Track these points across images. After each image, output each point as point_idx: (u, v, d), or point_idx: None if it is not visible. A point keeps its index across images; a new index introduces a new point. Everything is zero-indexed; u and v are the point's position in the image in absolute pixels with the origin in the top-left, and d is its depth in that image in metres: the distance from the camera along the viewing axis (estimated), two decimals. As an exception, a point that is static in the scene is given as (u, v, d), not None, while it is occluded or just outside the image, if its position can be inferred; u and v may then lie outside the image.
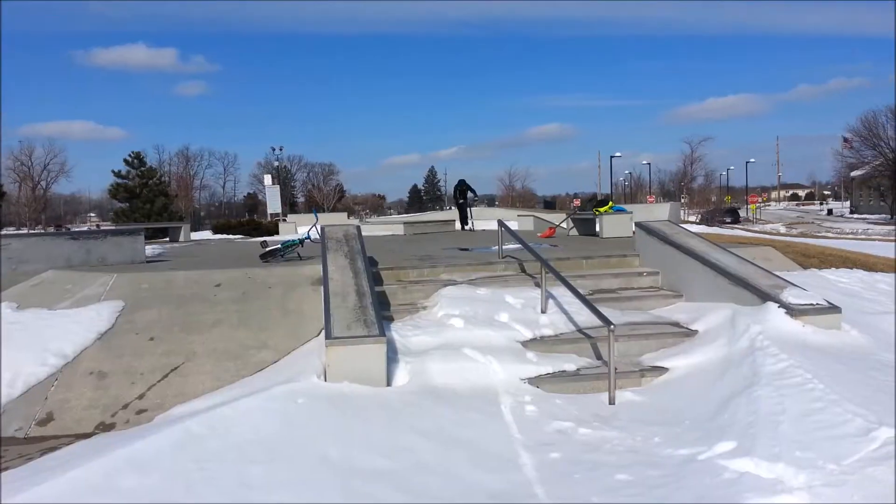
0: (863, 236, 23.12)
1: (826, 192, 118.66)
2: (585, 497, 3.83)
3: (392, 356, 5.88)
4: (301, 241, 9.99)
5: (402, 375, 5.73)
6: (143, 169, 43.13)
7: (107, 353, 6.34)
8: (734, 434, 4.21)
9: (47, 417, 5.59)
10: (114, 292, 7.56)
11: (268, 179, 41.60)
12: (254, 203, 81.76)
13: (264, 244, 10.44)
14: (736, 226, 45.39)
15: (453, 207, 20.00)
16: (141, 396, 5.81)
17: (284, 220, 27.73)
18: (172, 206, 44.67)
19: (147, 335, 6.64)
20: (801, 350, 5.40)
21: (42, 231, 40.72)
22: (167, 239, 21.67)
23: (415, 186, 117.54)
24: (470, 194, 20.96)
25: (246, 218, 42.92)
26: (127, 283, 7.82)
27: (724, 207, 69.11)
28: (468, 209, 20.87)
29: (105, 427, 5.44)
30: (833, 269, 9.48)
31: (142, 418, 5.46)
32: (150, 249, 13.23)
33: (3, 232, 33.79)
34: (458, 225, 21.19)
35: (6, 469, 4.34)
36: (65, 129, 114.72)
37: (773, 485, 3.56)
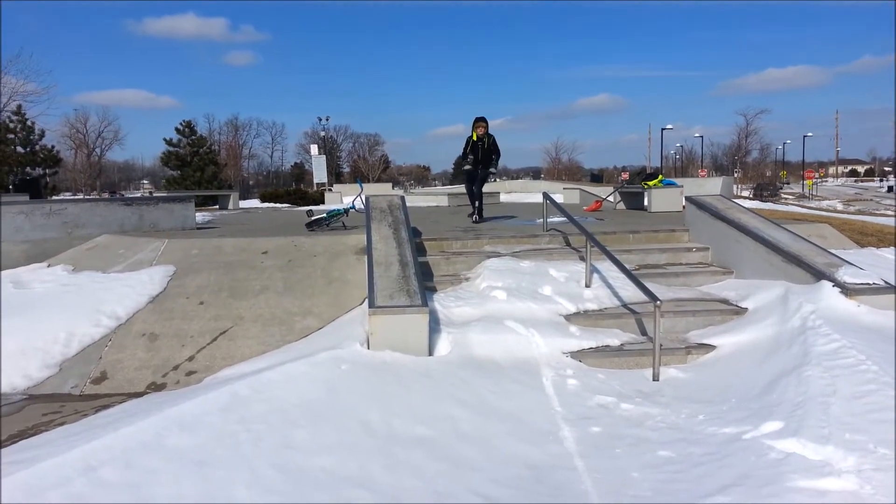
0: (925, 215, 22.17)
1: (886, 169, 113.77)
2: (625, 471, 3.81)
3: (434, 326, 5.91)
4: (346, 211, 10.07)
5: (443, 346, 5.76)
6: (193, 137, 43.87)
7: (158, 316, 6.53)
8: (781, 414, 4.11)
9: (101, 376, 5.80)
10: (165, 257, 7.77)
11: (314, 149, 41.92)
12: (300, 173, 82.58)
13: (310, 213, 10.56)
14: (779, 200, 43.90)
15: (467, 166, 10.87)
16: (190, 358, 5.98)
17: (330, 190, 27.98)
18: (222, 174, 45.42)
19: (197, 299, 6.81)
20: (854, 330, 5.22)
21: (97, 197, 41.98)
22: (216, 207, 22.12)
23: (459, 158, 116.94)
24: (491, 167, 10.90)
25: (293, 187, 43.46)
26: (178, 248, 8.01)
27: (778, 183, 66.95)
28: (482, 182, 11.32)
29: (156, 387, 5.63)
30: (892, 248, 9.12)
31: (191, 379, 5.63)
32: (200, 216, 13.53)
33: (60, 197, 34.95)
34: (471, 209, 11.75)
35: (62, 424, 4.53)
36: (118, 97, 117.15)
37: (820, 466, 3.47)
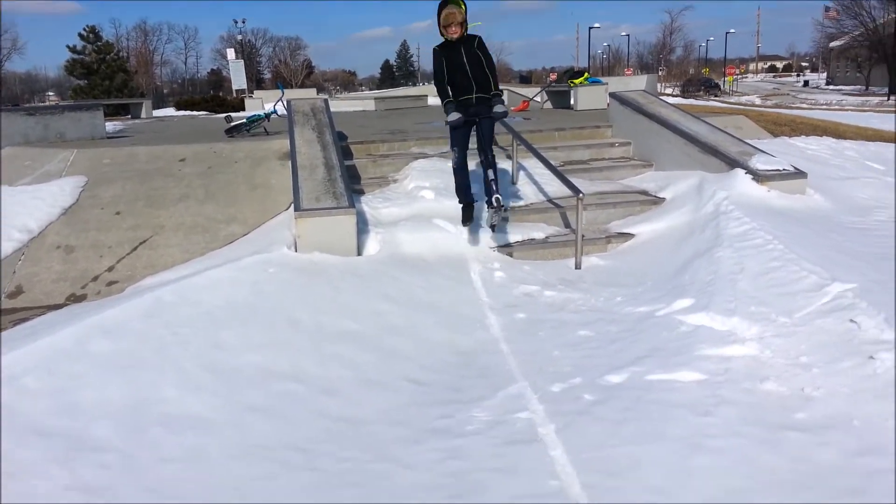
0: (836, 107, 23.09)
1: (804, 64, 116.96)
2: (548, 351, 4.00)
3: (362, 227, 5.90)
4: (267, 116, 9.71)
5: (372, 245, 5.77)
6: (99, 44, 40.91)
7: (72, 228, 6.26)
8: (693, 292, 4.35)
9: (17, 290, 5.59)
10: (75, 168, 7.38)
11: (230, 54, 39.65)
12: (218, 80, 78.60)
13: (229, 119, 10.14)
14: (712, 98, 44.90)
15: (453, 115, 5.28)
16: (110, 269, 5.80)
17: (251, 97, 26.84)
18: (132, 82, 42.83)
19: (112, 210, 6.55)
20: (764, 214, 5.51)
21: (-2, 110, 38.99)
22: (129, 116, 20.94)
23: (386, 62, 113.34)
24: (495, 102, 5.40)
25: (210, 94, 41.46)
26: (88, 158, 7.61)
27: (701, 78, 67.96)
28: (490, 134, 5.59)
29: (76, 298, 5.47)
30: (803, 136, 9.53)
31: (113, 289, 5.49)
32: (111, 126, 12.81)
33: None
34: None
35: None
36: (12, 4, 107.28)
37: (726, 336, 3.73)
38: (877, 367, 3.22)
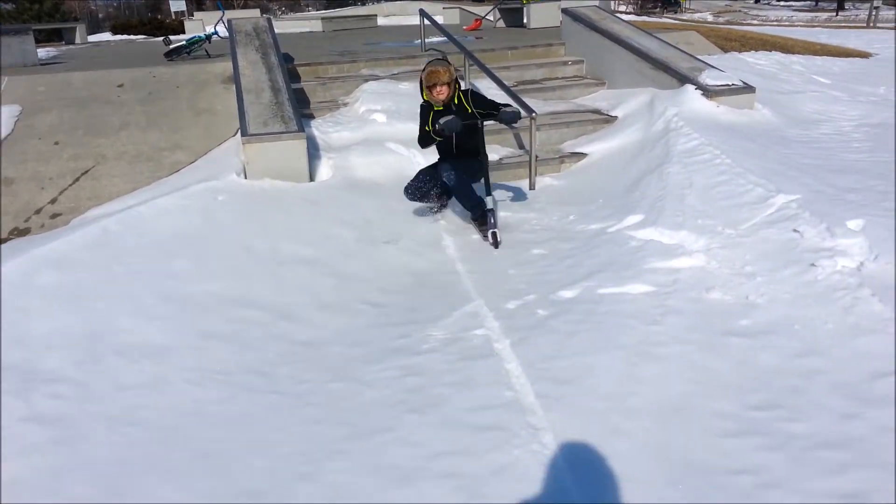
0: (786, 23, 23.17)
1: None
2: (503, 270, 4.06)
3: (314, 153, 5.78)
4: (208, 38, 9.27)
5: (324, 171, 5.68)
6: (23, -37, 38.13)
7: (10, 160, 5.98)
8: (643, 208, 4.43)
9: (-45, 226, 5.37)
10: (8, 96, 6.98)
11: (168, -27, 37.56)
12: (156, 2, 74.58)
13: (167, 41, 9.65)
14: (669, 16, 44.44)
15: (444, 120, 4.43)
16: (53, 201, 5.60)
17: (191, 18, 25.57)
18: (64, 6, 40.25)
19: (50, 140, 6.26)
20: (713, 129, 5.57)
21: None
22: (62, 42, 19.80)
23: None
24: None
25: (148, 17, 39.32)
26: (21, 86, 7.21)
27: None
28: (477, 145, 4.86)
29: (19, 232, 5.29)
30: (752, 51, 9.57)
31: (57, 222, 5.31)
32: (44, 52, 12.11)
33: None
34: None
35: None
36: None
37: (673, 249, 3.83)
38: (817, 274, 3.36)
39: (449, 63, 4.76)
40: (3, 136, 6.26)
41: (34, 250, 3.93)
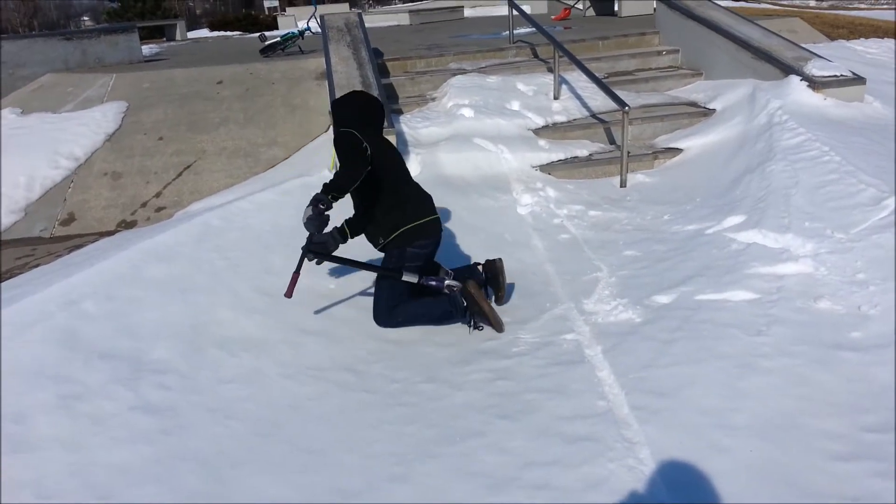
0: (899, 6, 21.58)
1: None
2: (592, 271, 3.97)
3: (402, 148, 5.82)
4: (301, 34, 9.52)
5: (413, 166, 5.70)
6: (128, -36, 40.25)
7: (118, 154, 6.34)
8: (744, 208, 4.23)
9: (69, 218, 5.74)
10: (116, 93, 7.40)
11: (261, -31, 38.76)
12: (249, -2, 77.11)
13: (263, 38, 9.97)
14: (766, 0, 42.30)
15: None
16: (158, 195, 5.90)
17: (283, 14, 26.32)
18: (165, 3, 42.27)
19: (155, 135, 6.59)
20: (820, 123, 5.26)
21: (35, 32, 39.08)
22: (164, 39, 20.80)
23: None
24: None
25: (242, 13, 40.76)
26: (128, 82, 7.62)
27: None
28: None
29: (127, 225, 5.60)
30: (862, 39, 8.97)
31: (161, 215, 5.59)
32: (148, 49, 12.75)
33: (-5, 39, 32.47)
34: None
35: (37, 266, 4.53)
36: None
37: (779, 253, 3.64)
38: (937, 284, 3.12)
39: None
40: (112, 132, 6.63)
41: (142, 243, 4.14)
